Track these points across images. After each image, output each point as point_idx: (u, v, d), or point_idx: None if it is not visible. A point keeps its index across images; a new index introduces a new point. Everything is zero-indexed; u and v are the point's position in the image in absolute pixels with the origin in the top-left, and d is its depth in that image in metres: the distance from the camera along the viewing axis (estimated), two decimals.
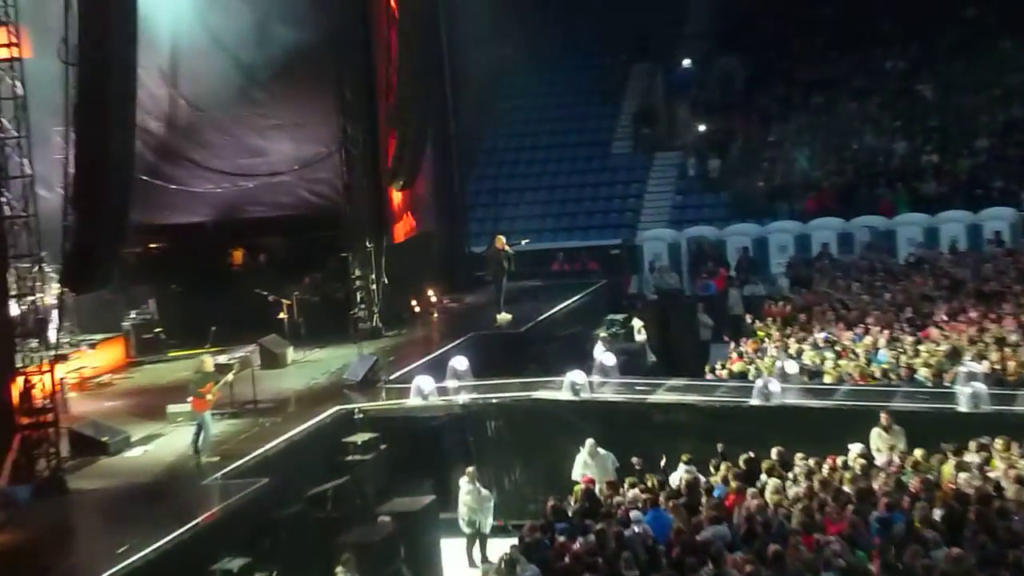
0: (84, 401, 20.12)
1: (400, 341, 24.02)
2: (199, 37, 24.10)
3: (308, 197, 25.23)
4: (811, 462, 15.72)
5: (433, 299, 26.94)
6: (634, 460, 16.92)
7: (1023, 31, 35.21)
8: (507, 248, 24.19)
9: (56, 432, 16.13)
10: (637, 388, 19.80)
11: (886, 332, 22.36)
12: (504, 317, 24.14)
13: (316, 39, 24.06)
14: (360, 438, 18.08)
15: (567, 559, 13.47)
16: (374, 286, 24.35)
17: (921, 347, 21.22)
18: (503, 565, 13.57)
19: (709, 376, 22.13)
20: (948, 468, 15.01)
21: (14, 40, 16.20)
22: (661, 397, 19.12)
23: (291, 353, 22.57)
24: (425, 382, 19.28)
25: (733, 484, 15.19)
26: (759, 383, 18.55)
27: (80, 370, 21.08)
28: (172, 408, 18.44)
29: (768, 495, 14.61)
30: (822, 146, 35.76)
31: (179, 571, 13.60)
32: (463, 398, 19.46)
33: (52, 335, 17.29)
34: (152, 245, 25.09)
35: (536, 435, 18.90)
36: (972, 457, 15.27)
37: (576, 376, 19.08)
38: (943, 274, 26.77)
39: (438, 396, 19.36)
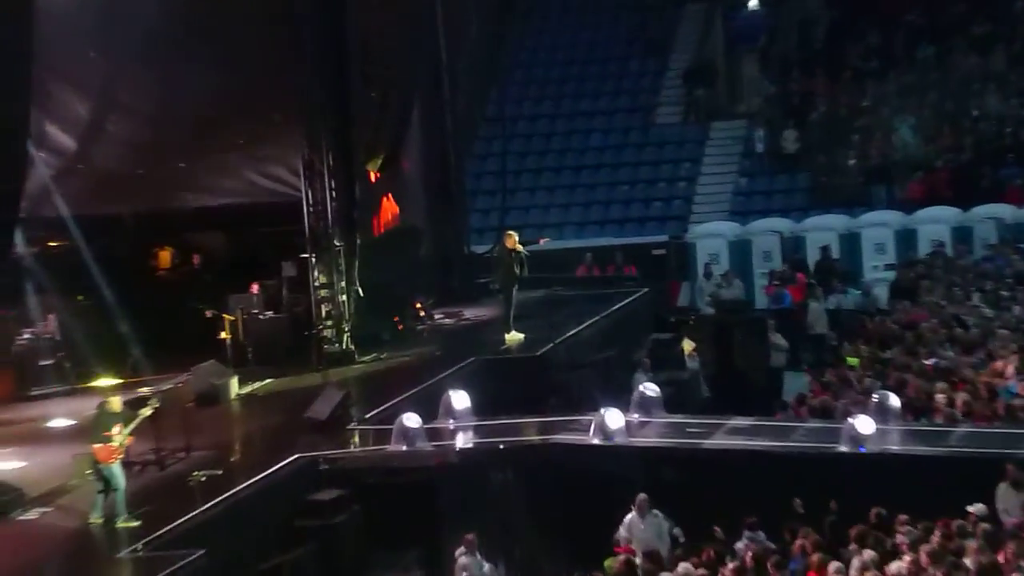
0: None
1: (378, 369, 24.10)
2: None
3: (257, 180, 25.31)
4: (918, 527, 15.74)
5: (422, 314, 27.02)
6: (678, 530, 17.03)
7: None
8: (519, 248, 24.19)
9: None
10: (688, 430, 19.88)
11: (1015, 358, 22.37)
12: (515, 337, 24.21)
13: None
14: (326, 495, 18.11)
15: None
16: (343, 297, 24.39)
17: None
18: None
19: (783, 415, 22.16)
20: None
21: None
22: (719, 441, 19.17)
23: (235, 385, 22.63)
24: (411, 422, 19.30)
25: (814, 557, 15.22)
26: (848, 424, 18.58)
27: None
28: (80, 456, 18.47)
29: (858, 571, 14.61)
30: (932, 113, 35.84)
31: None
32: (461, 443, 19.49)
33: None
34: (52, 244, 25.20)
35: (556, 491, 18.90)
36: None
37: (609, 415, 19.13)
38: None
39: (428, 440, 19.38)
